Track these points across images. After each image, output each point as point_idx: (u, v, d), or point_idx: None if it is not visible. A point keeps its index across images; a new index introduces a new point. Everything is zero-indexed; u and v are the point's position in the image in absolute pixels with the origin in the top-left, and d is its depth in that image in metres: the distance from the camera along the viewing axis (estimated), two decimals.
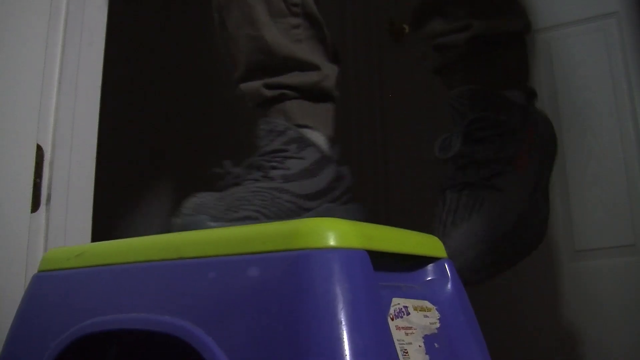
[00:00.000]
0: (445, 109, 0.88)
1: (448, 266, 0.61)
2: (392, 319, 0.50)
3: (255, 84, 0.90)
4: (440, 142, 0.84)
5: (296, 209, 0.83)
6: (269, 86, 0.89)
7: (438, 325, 0.55)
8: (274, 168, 0.83)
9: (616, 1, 1.59)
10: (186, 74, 2.07)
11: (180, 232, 0.58)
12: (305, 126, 0.88)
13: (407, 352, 0.49)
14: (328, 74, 0.90)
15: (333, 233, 0.48)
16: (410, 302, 0.53)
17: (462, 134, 0.82)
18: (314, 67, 0.89)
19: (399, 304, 0.52)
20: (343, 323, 0.44)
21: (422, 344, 0.51)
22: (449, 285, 0.60)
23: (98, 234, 1.02)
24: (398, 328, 0.50)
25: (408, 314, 0.52)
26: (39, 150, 0.94)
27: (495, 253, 0.76)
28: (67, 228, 0.96)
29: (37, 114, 0.93)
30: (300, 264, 0.46)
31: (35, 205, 0.92)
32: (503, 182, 0.79)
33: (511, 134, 0.83)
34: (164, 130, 2.04)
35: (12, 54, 0.92)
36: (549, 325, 1.52)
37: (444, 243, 0.64)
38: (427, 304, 0.55)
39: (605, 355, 1.44)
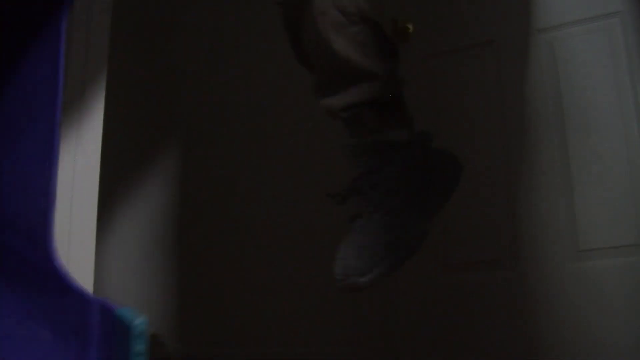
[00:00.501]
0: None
1: None
2: None
3: (333, 105, 1.02)
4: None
5: (407, 215, 1.00)
6: (344, 109, 1.01)
7: None
8: (374, 187, 1.00)
9: (619, 1, 1.59)
10: (189, 73, 2.07)
11: None
12: (384, 128, 1.02)
13: None
14: (388, 78, 1.02)
15: None
16: None
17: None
18: (376, 77, 1.01)
19: None
20: None
21: None
22: None
23: (101, 236, 1.02)
24: None
25: None
26: None
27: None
28: (71, 229, 0.96)
29: None
30: None
31: None
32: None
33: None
34: (167, 130, 2.04)
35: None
36: (553, 324, 1.52)
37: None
38: None
39: (610, 354, 1.44)
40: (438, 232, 1.71)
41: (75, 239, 0.96)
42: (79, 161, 0.98)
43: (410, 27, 1.86)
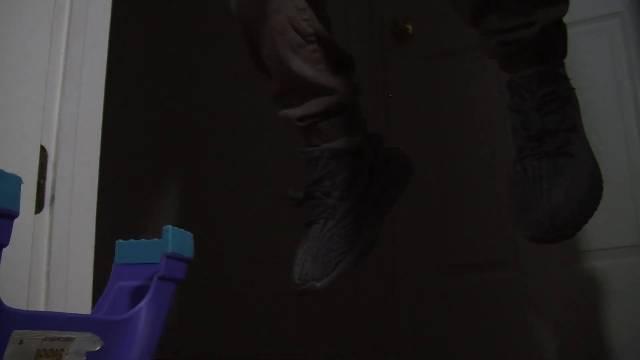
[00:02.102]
0: (505, 90, 0.99)
1: None
2: None
3: (290, 115, 1.11)
4: (519, 123, 0.96)
5: (360, 219, 1.06)
6: (300, 119, 1.10)
7: None
8: (328, 194, 1.06)
9: (619, 1, 1.59)
10: (190, 74, 2.07)
11: None
12: (337, 137, 1.09)
13: None
14: (342, 91, 1.10)
15: None
16: None
17: (535, 110, 0.95)
18: (330, 91, 1.08)
19: None
20: None
21: None
22: None
23: (102, 235, 1.02)
24: None
25: None
26: (43, 151, 0.93)
27: (584, 211, 0.93)
28: (71, 229, 0.95)
29: (41, 114, 0.93)
30: None
31: (39, 206, 0.92)
32: (573, 149, 0.95)
33: (569, 103, 0.97)
34: (168, 130, 2.04)
35: (15, 54, 0.91)
36: (554, 325, 1.51)
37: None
38: None
39: (610, 354, 1.44)
40: (439, 233, 1.71)
41: (74, 239, 0.96)
42: (78, 159, 0.98)
43: (410, 28, 1.86)
